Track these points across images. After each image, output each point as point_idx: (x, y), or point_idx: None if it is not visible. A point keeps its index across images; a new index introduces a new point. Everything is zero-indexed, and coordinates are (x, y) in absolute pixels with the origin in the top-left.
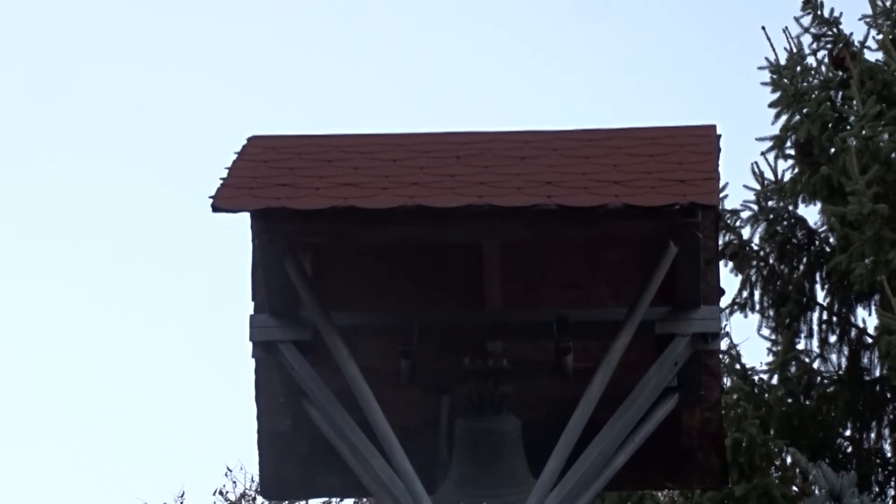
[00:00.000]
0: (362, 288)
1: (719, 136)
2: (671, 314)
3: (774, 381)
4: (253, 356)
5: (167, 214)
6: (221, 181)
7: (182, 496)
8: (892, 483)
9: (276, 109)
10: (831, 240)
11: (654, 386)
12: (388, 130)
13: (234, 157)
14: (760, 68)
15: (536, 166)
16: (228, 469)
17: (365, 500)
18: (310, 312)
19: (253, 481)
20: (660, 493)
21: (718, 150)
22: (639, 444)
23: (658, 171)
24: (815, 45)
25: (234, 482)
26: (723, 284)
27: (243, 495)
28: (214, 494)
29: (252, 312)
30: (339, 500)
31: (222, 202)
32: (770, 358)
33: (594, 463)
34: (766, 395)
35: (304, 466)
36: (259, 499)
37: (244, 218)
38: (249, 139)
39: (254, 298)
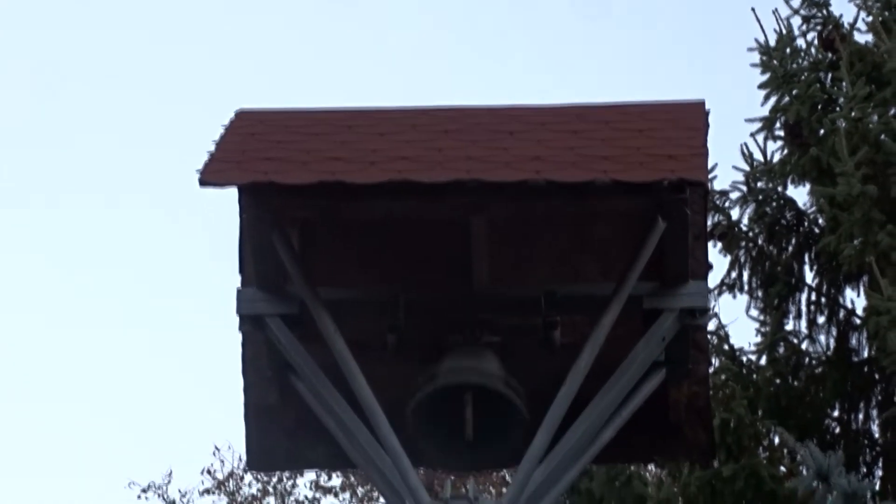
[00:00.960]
0: (349, 262)
1: (708, 111)
2: (659, 289)
3: (762, 361)
4: (240, 330)
5: (151, 187)
6: (209, 155)
7: (170, 475)
8: (880, 464)
9: (264, 83)
10: (820, 221)
11: (642, 361)
12: (375, 104)
13: (222, 130)
14: (750, 50)
15: (525, 141)
16: (216, 448)
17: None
18: (297, 287)
19: (241, 460)
20: (648, 474)
21: (707, 125)
22: (626, 418)
23: (647, 147)
24: (804, 27)
25: (222, 461)
26: (711, 262)
27: (231, 474)
28: (202, 473)
29: (239, 286)
30: (325, 472)
31: (209, 176)
32: (758, 339)
33: (582, 437)
34: (755, 376)
35: (291, 439)
36: (247, 477)
37: (232, 191)
38: (237, 112)
39: (241, 272)
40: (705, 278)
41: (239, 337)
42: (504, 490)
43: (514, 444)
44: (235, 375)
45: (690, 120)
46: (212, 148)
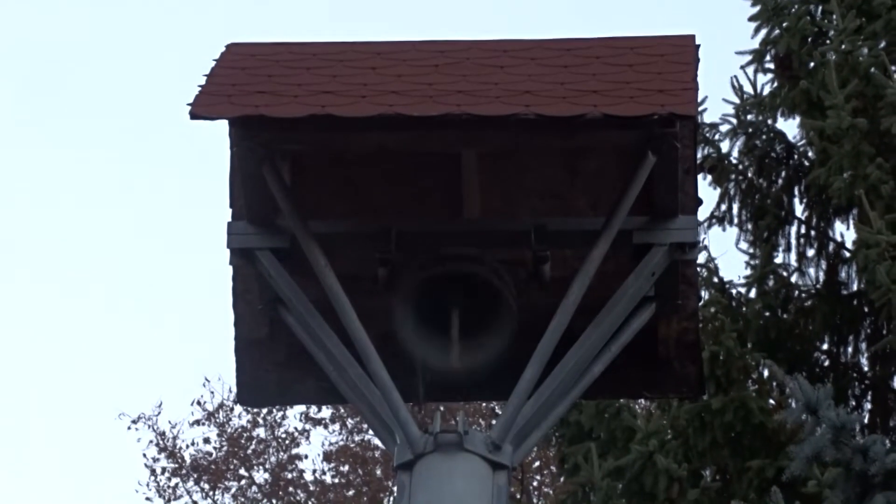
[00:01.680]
0: (340, 196)
1: (698, 46)
2: (649, 224)
3: (752, 294)
4: (230, 263)
5: (141, 121)
6: (199, 88)
7: (160, 407)
8: (869, 397)
9: (255, 16)
10: (810, 154)
11: (632, 295)
12: (366, 38)
13: (213, 64)
14: None
15: (515, 75)
16: (206, 380)
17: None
18: (287, 220)
19: (231, 392)
20: (637, 407)
21: (697, 60)
22: (616, 353)
23: (636, 81)
24: None
25: (212, 393)
26: (701, 197)
27: (221, 406)
28: (192, 405)
29: (230, 220)
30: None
31: (200, 109)
32: (748, 271)
33: (571, 372)
34: (744, 309)
35: (281, 374)
36: (237, 409)
37: (223, 125)
38: (228, 46)
39: (232, 206)
40: (695, 213)
41: (229, 270)
42: (493, 423)
43: (502, 341)
44: (226, 308)
45: (681, 54)
46: (202, 81)
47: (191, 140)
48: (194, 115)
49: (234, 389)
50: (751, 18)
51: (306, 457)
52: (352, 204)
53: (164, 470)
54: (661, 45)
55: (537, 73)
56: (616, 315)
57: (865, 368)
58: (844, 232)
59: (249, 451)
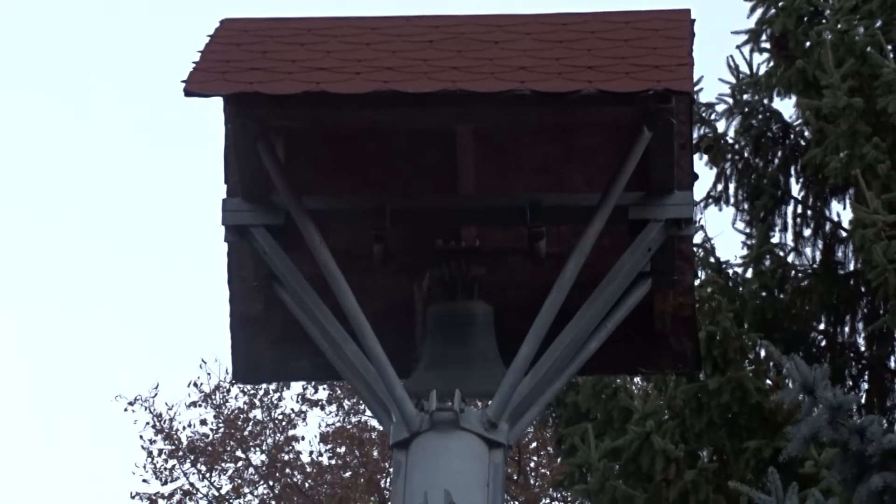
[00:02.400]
0: (335, 172)
1: (693, 20)
2: (645, 200)
3: (749, 274)
4: (225, 240)
5: (137, 99)
6: (194, 65)
7: (157, 388)
8: (866, 377)
9: None
10: (806, 133)
11: (628, 271)
12: (361, 14)
13: (207, 40)
14: None
15: (510, 51)
16: (203, 361)
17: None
18: (282, 197)
19: (227, 373)
20: (633, 387)
21: (692, 35)
22: (612, 329)
23: (632, 57)
24: None
25: (209, 374)
26: (697, 172)
27: (217, 387)
28: (189, 386)
29: (225, 196)
30: (311, 383)
31: (194, 86)
32: (744, 251)
33: (567, 348)
34: (741, 289)
35: (276, 350)
36: (233, 390)
37: (217, 101)
38: (222, 21)
39: (227, 182)
40: (691, 188)
41: (225, 248)
42: (489, 402)
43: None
44: (222, 288)
45: (676, 29)
46: (197, 58)
47: (186, 117)
48: (189, 92)
49: (230, 368)
50: None
51: (303, 438)
52: (346, 180)
53: (160, 452)
54: (656, 19)
55: (532, 48)
56: (612, 291)
57: (862, 348)
58: (841, 212)
59: (246, 433)
